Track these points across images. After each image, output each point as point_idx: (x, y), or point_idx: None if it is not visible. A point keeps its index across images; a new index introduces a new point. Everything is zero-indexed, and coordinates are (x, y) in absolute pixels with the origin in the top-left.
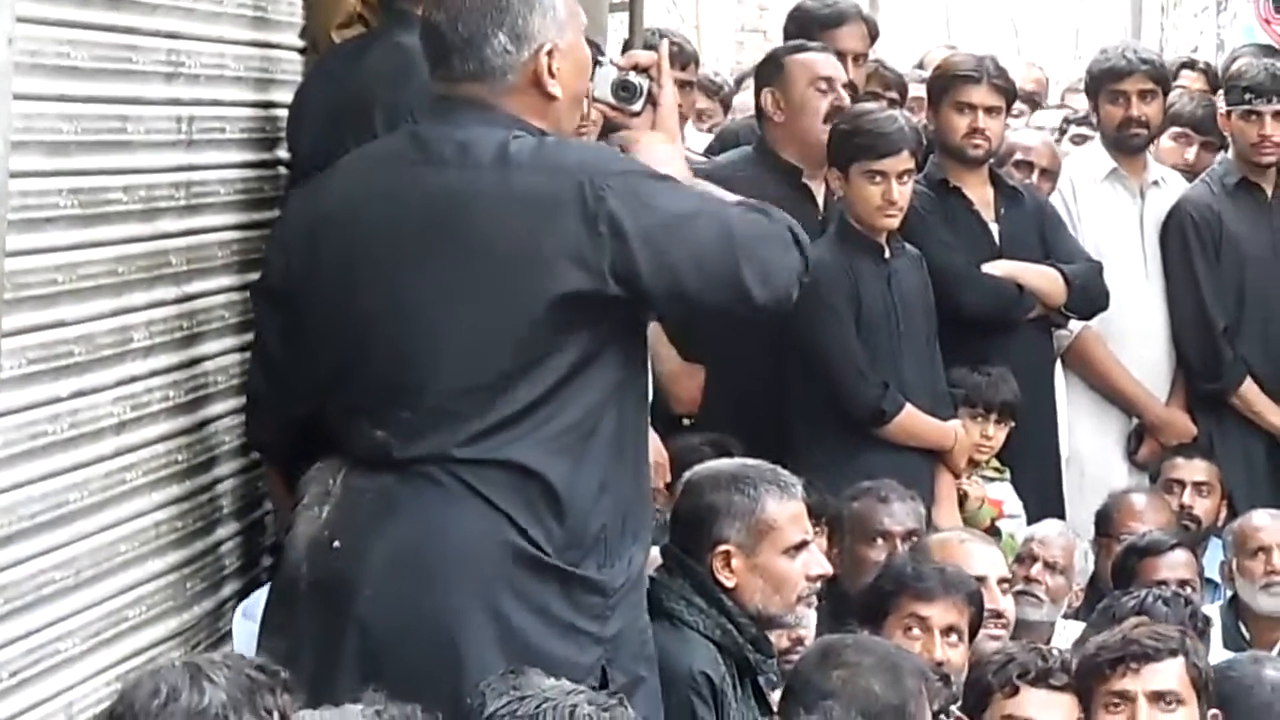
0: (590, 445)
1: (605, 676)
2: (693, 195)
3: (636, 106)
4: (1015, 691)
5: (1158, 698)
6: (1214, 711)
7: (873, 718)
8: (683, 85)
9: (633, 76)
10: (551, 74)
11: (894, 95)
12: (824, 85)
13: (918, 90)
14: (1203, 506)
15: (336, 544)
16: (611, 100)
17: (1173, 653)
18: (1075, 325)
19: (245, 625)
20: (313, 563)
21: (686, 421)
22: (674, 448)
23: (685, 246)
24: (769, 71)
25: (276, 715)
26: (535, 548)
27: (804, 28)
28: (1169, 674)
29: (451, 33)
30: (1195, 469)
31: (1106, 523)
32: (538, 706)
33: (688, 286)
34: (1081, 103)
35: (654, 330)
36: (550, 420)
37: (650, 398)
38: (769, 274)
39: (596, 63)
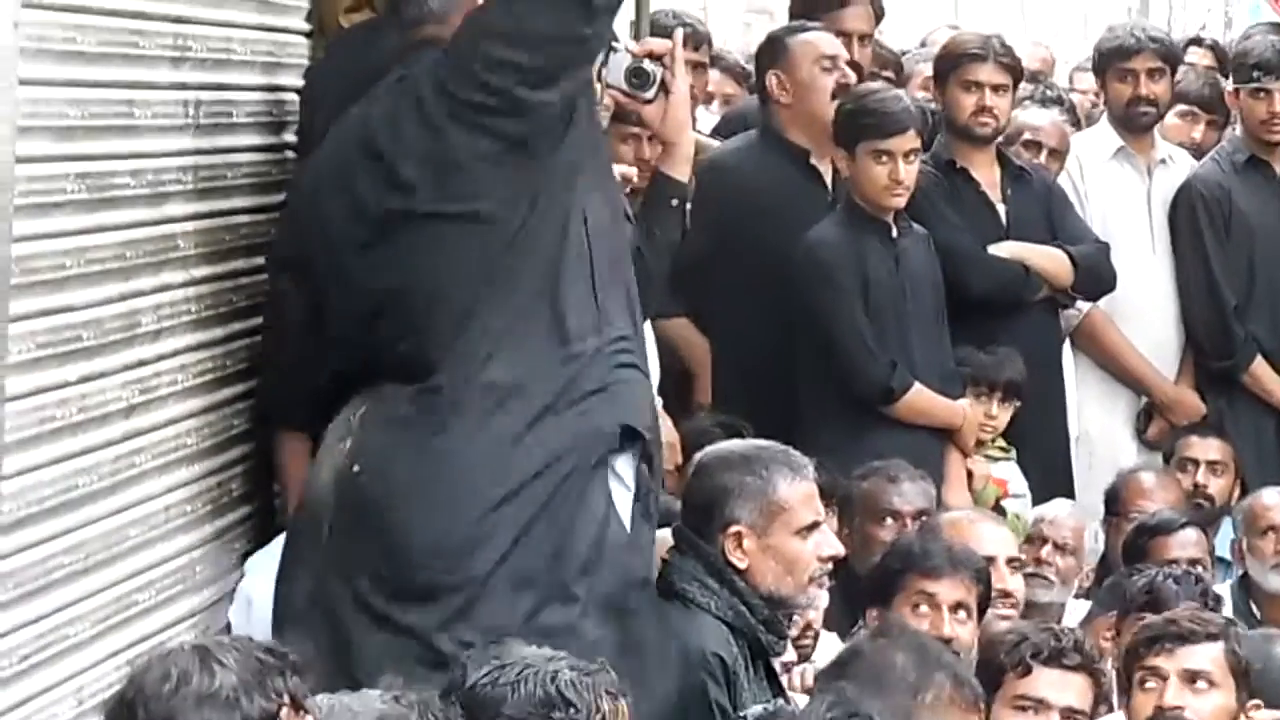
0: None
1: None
2: None
3: (649, 94)
4: (1028, 671)
5: (1190, 678)
6: (1255, 701)
7: (885, 688)
8: (696, 66)
9: (646, 64)
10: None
11: (889, 75)
12: (828, 63)
13: (925, 69)
14: (1216, 485)
15: (356, 468)
16: (624, 87)
17: (1211, 637)
18: (1083, 305)
19: (250, 581)
20: (340, 491)
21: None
22: (685, 430)
23: None
24: (772, 53)
25: (286, 697)
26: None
27: (810, 8)
28: (1204, 656)
29: None
30: (1209, 448)
31: (1116, 502)
32: (519, 674)
33: None
34: (1090, 82)
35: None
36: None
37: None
38: None
39: (611, 49)
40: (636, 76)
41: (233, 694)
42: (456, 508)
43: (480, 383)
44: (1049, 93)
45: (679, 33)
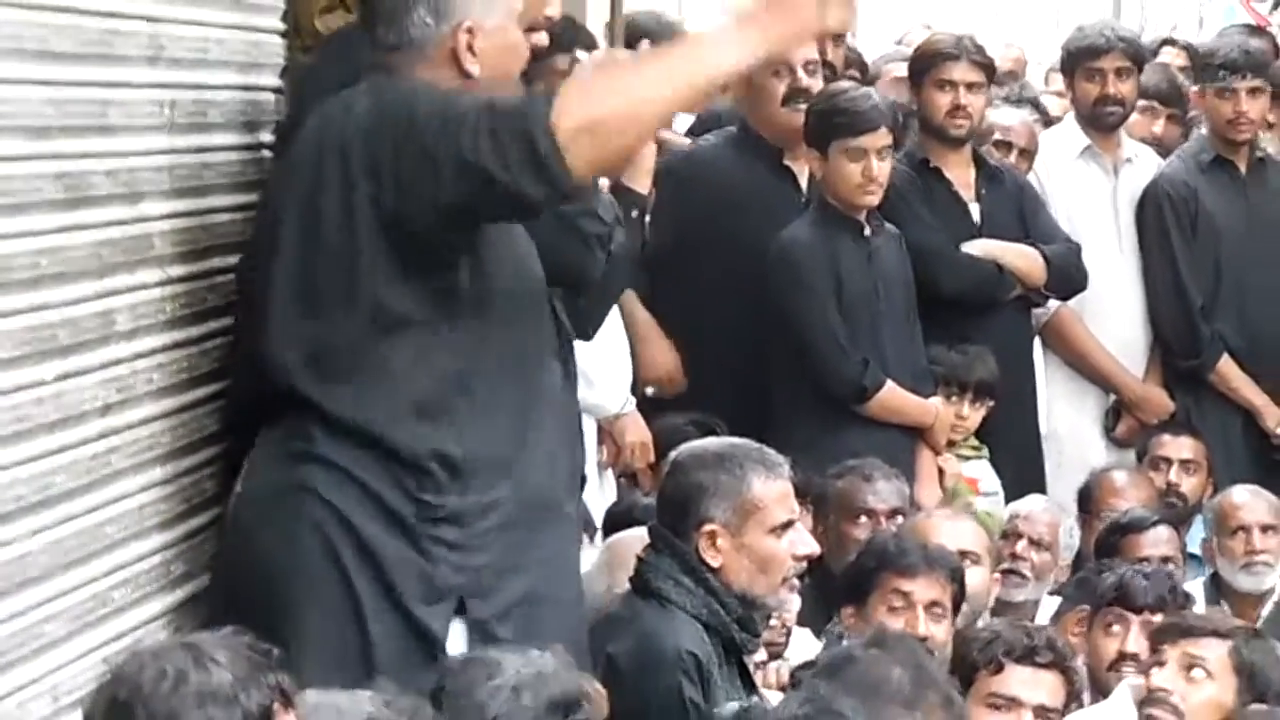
0: (442, 388)
1: (463, 605)
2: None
3: None
4: (1000, 669)
5: (1188, 665)
6: (1259, 707)
7: (878, 697)
8: None
9: None
10: (471, 50)
11: (854, 74)
12: (779, 68)
13: (895, 69)
14: (1189, 484)
15: (237, 489)
16: None
17: (1216, 633)
18: (1052, 304)
19: None
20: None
21: (649, 391)
22: (658, 428)
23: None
24: None
25: (279, 691)
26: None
27: None
28: (1205, 648)
29: (379, 1)
30: (1182, 446)
31: (1089, 500)
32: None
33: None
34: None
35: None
36: (389, 365)
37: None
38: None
39: (575, 60)
40: None
41: (231, 690)
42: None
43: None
44: (1024, 93)
45: (644, 44)
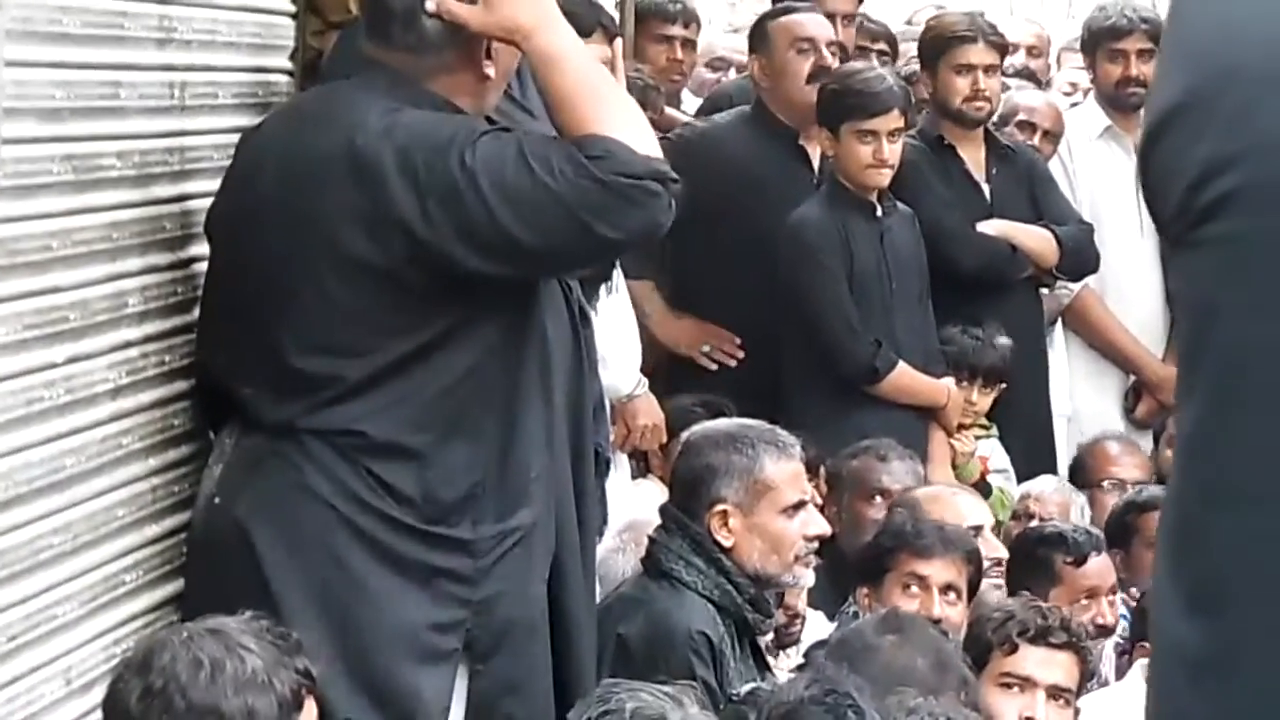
0: (459, 413)
1: (470, 639)
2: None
3: None
4: (1014, 649)
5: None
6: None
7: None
8: (685, 43)
9: None
10: (489, 55)
11: (882, 47)
12: (805, 46)
13: (909, 49)
14: None
15: (217, 500)
16: None
17: None
18: (1074, 285)
19: None
20: (202, 519)
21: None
22: (668, 409)
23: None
24: (757, 37)
25: (306, 675)
26: (381, 515)
27: None
28: None
29: (397, 1)
30: None
31: (1084, 471)
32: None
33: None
34: (1077, 62)
35: (637, 286)
36: (407, 390)
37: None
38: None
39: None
40: None
41: (266, 677)
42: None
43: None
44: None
45: (618, 43)
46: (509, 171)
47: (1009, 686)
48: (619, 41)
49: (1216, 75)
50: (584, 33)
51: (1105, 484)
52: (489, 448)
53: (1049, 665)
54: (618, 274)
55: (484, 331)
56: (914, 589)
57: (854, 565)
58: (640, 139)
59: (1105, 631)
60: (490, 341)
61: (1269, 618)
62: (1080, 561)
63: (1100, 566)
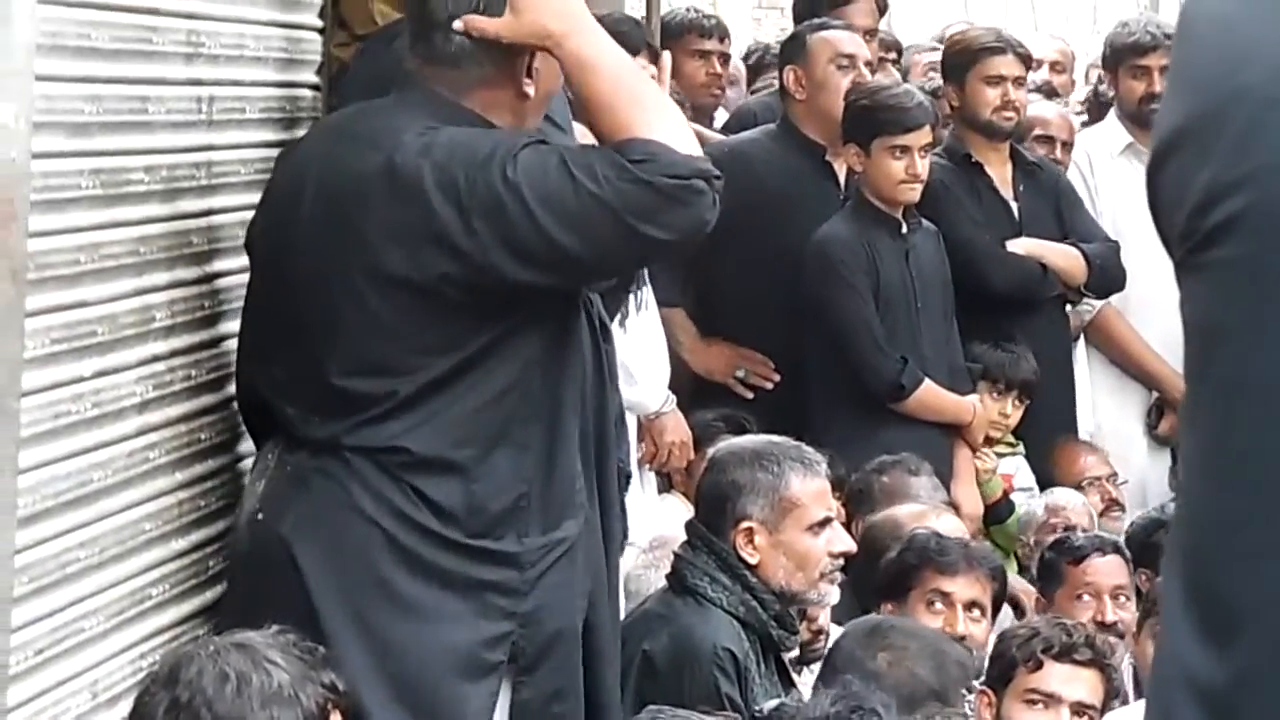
0: (503, 426)
1: (515, 650)
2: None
3: None
4: (1039, 666)
5: None
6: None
7: (915, 702)
8: (722, 58)
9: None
10: (529, 74)
11: (893, 56)
12: (845, 62)
13: (924, 58)
14: None
15: (260, 515)
16: None
17: None
18: (1096, 302)
19: None
20: (246, 535)
21: (740, 374)
22: (689, 424)
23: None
24: (792, 49)
25: (333, 689)
26: (426, 531)
27: (814, 5)
28: None
29: (440, 10)
30: None
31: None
32: None
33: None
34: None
35: (669, 314)
36: (451, 406)
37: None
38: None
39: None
40: None
41: (292, 691)
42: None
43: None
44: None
45: (666, 58)
46: (552, 181)
47: (1034, 703)
48: (666, 56)
49: (1220, 99)
50: (632, 52)
51: (1083, 484)
52: (534, 459)
53: (1073, 682)
54: (647, 291)
55: (526, 344)
56: (938, 605)
57: (877, 582)
58: (681, 139)
59: (1106, 629)
60: (532, 353)
61: None
62: (1079, 560)
63: (1101, 565)
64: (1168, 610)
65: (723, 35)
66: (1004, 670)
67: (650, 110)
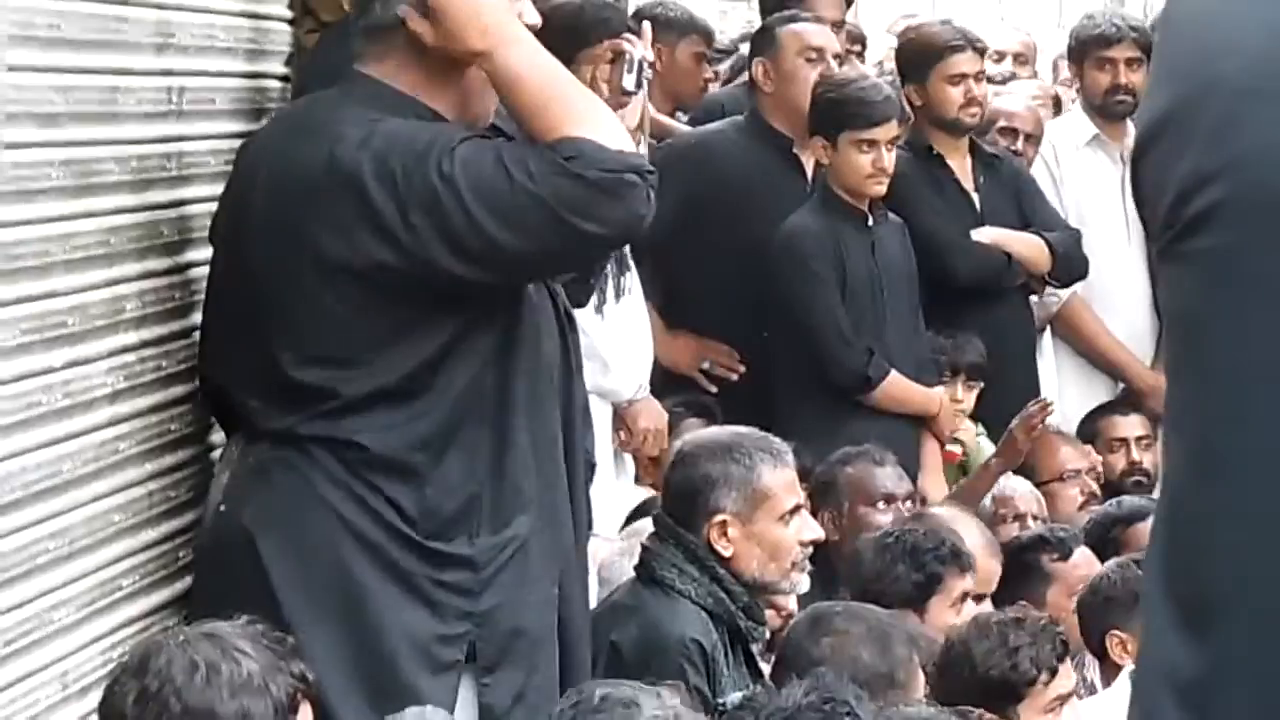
0: (456, 429)
1: (473, 650)
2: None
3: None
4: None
5: None
6: None
7: (861, 685)
8: (700, 58)
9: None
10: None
11: (857, 49)
12: (813, 55)
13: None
14: (1149, 460)
15: (223, 507)
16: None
17: None
18: (1064, 292)
19: None
20: (210, 527)
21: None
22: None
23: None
24: (762, 41)
25: (301, 679)
26: (386, 525)
27: None
28: None
29: None
30: (1133, 424)
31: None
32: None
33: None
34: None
35: None
36: (408, 409)
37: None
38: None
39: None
40: (640, 75)
41: (261, 680)
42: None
43: None
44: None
45: (646, 25)
46: (488, 176)
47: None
48: (646, 25)
49: (1199, 89)
50: (615, 34)
51: (1064, 477)
52: (485, 460)
53: (1067, 676)
54: (632, 278)
55: (480, 346)
56: (967, 606)
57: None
58: (611, 135)
59: None
60: (486, 355)
61: (1261, 637)
62: (1067, 556)
63: (1086, 557)
64: (1148, 604)
65: (711, 37)
66: (1005, 694)
67: (581, 110)
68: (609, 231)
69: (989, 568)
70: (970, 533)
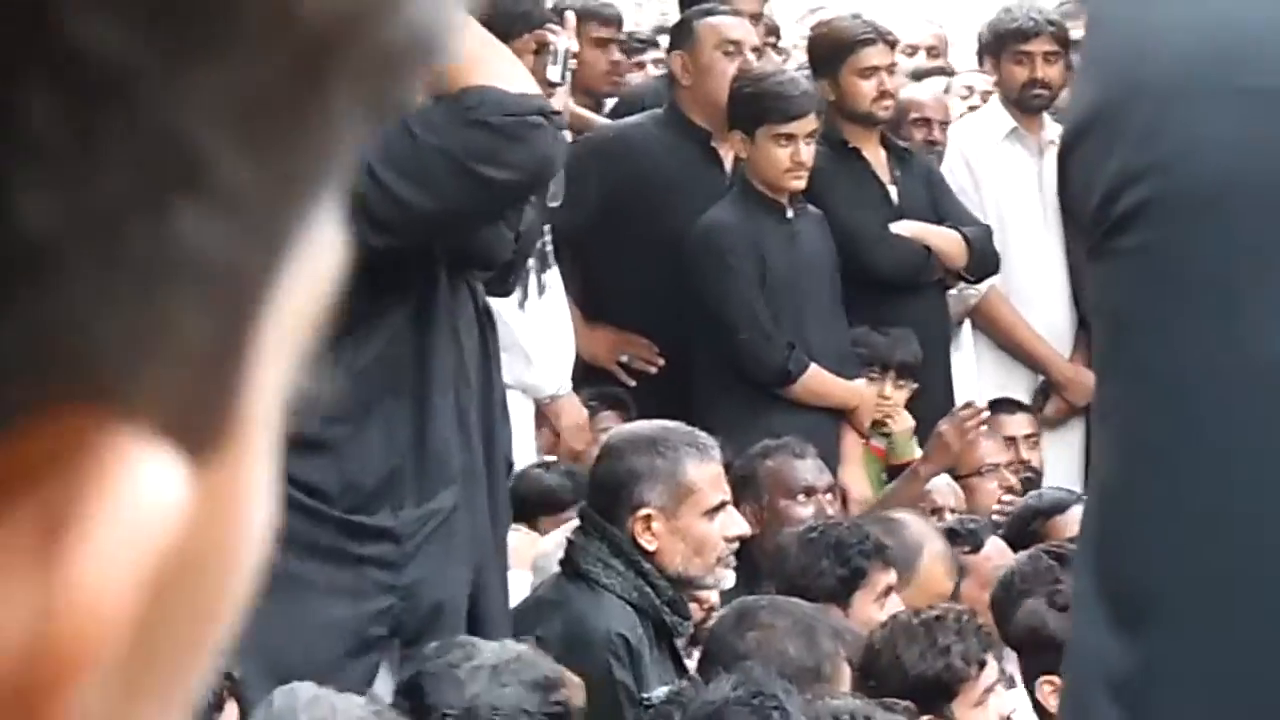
0: (372, 401)
1: (398, 625)
2: None
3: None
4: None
5: None
6: None
7: (788, 679)
8: (605, 43)
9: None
10: None
11: (771, 40)
12: (731, 48)
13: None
14: (1037, 458)
15: None
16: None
17: None
18: (982, 285)
19: None
20: None
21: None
22: None
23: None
24: (680, 34)
25: (227, 678)
26: (297, 506)
27: None
28: None
29: None
30: (1022, 423)
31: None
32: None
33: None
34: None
35: None
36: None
37: (568, 360)
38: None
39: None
40: (565, 66)
41: None
42: None
43: None
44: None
45: (570, 14)
46: (392, 143)
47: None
48: (570, 14)
49: (1126, 87)
50: (537, 26)
51: (984, 471)
52: (404, 432)
53: (992, 666)
54: (554, 274)
55: (389, 322)
56: (888, 602)
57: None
58: (513, 80)
59: None
60: (396, 330)
61: (1197, 635)
62: (978, 547)
63: (998, 548)
64: (1079, 602)
65: (620, 23)
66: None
67: (481, 60)
68: (519, 176)
69: (942, 583)
70: (933, 545)
